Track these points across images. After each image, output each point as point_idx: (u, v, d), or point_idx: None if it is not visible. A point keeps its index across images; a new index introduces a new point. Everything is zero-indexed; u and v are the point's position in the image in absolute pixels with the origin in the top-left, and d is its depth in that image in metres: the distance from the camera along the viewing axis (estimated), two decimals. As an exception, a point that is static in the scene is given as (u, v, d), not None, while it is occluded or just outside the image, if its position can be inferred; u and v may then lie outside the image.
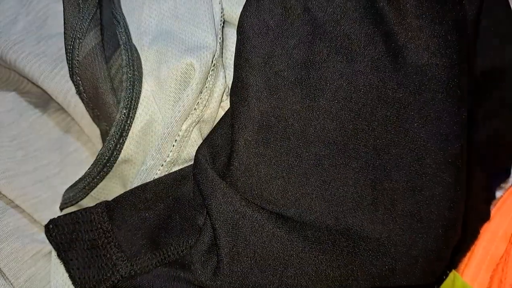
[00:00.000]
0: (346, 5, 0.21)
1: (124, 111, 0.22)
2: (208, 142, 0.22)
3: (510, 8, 0.27)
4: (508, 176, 0.34)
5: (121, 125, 0.22)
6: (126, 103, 0.22)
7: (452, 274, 0.30)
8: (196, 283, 0.21)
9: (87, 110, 0.24)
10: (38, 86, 0.26)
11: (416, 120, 0.21)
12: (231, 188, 0.20)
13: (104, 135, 0.24)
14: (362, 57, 0.20)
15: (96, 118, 0.24)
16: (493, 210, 0.32)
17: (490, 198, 0.33)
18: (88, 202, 0.24)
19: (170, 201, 0.23)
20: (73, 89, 0.24)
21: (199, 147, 0.22)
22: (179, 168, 0.23)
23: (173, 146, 0.23)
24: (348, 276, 0.21)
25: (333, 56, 0.21)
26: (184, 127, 0.23)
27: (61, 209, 0.24)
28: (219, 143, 0.22)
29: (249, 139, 0.20)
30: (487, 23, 0.27)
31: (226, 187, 0.20)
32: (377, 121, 0.21)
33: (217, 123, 0.23)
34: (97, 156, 0.22)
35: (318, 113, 0.21)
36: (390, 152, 0.21)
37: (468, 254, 0.31)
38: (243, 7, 0.22)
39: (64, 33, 0.24)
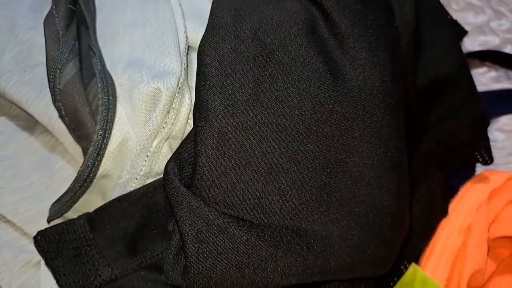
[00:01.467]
0: (291, 31, 0.24)
1: (101, 132, 0.24)
2: (176, 156, 0.25)
3: (447, 24, 0.30)
4: (473, 173, 0.37)
5: (98, 144, 0.24)
6: (102, 125, 0.24)
7: (413, 267, 0.32)
8: (169, 283, 0.24)
9: (69, 132, 0.27)
10: (25, 111, 0.29)
11: (357, 130, 0.23)
12: (195, 197, 0.23)
13: (85, 153, 0.27)
14: (307, 77, 0.23)
15: (77, 138, 0.27)
16: (451, 206, 0.34)
17: (449, 196, 0.35)
18: (72, 214, 0.26)
19: (145, 210, 0.25)
20: (56, 113, 0.27)
21: (168, 160, 0.25)
22: (153, 180, 0.26)
23: (145, 161, 0.25)
24: (304, 271, 0.23)
25: (281, 77, 0.23)
26: (154, 143, 0.25)
27: (49, 221, 0.27)
28: (186, 156, 0.25)
29: (210, 153, 0.23)
30: (429, 35, 0.30)
31: (191, 196, 0.23)
32: (324, 132, 0.24)
33: (184, 138, 0.26)
34: (78, 173, 0.25)
35: (270, 128, 0.23)
36: (337, 160, 0.24)
37: (428, 248, 0.33)
38: (202, 36, 0.25)
39: (46, 64, 0.26)
